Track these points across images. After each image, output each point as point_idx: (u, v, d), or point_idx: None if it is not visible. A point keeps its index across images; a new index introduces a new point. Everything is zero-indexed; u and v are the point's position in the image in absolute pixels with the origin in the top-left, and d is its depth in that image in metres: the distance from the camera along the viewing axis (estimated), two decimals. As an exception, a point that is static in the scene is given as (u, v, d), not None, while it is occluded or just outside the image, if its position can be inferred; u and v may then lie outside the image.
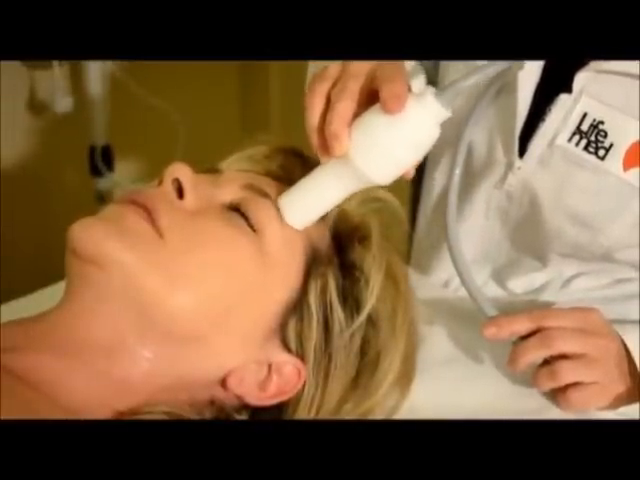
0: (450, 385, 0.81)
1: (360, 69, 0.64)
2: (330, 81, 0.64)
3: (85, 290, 0.63)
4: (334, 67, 0.65)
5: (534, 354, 0.77)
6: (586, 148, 0.80)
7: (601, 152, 0.80)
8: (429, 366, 0.80)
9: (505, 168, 0.86)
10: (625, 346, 0.78)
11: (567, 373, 0.76)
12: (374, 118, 0.62)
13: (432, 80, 0.94)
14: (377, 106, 0.62)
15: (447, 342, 0.87)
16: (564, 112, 0.81)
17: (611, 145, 0.79)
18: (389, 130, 0.62)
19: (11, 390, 0.58)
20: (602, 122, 0.79)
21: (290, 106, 0.94)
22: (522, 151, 0.84)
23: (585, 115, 0.80)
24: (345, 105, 0.62)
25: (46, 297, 0.83)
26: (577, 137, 0.81)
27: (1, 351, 0.61)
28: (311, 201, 0.68)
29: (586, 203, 0.82)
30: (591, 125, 0.80)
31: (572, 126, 0.81)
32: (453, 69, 0.89)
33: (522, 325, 0.77)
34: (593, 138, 0.80)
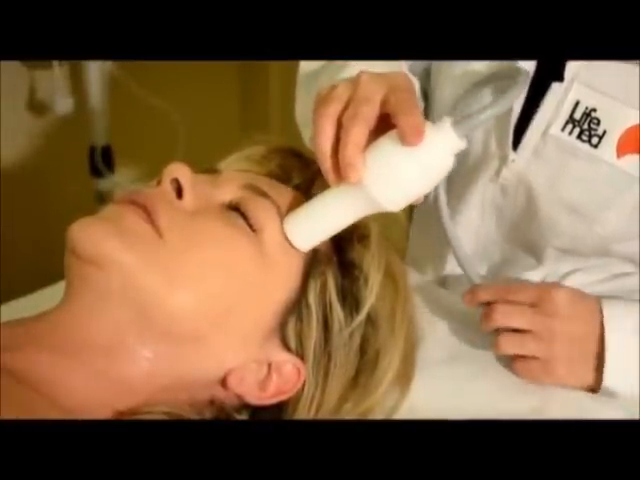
0: (449, 385, 0.81)
1: (371, 93, 0.63)
2: (340, 103, 0.63)
3: (85, 290, 0.63)
4: (343, 88, 0.64)
5: (483, 326, 0.80)
6: (579, 136, 0.80)
7: (594, 140, 0.80)
8: (428, 365, 0.80)
9: (499, 162, 0.86)
10: (602, 336, 0.77)
11: (506, 345, 0.79)
12: (390, 147, 0.62)
13: (424, 89, 0.94)
14: (392, 134, 0.62)
15: (446, 342, 0.87)
16: (556, 101, 0.81)
17: (604, 132, 0.79)
18: (405, 160, 0.61)
19: (11, 390, 0.58)
20: (595, 109, 0.79)
21: (290, 106, 0.94)
22: (516, 143, 0.84)
23: (577, 103, 0.80)
24: (359, 131, 0.61)
25: (46, 297, 0.83)
26: (570, 126, 0.81)
27: (1, 351, 0.61)
28: (318, 224, 0.67)
29: (581, 192, 0.82)
30: (584, 113, 0.80)
31: (565, 115, 0.81)
32: (444, 77, 0.89)
33: (488, 295, 0.80)
34: (586, 126, 0.80)
